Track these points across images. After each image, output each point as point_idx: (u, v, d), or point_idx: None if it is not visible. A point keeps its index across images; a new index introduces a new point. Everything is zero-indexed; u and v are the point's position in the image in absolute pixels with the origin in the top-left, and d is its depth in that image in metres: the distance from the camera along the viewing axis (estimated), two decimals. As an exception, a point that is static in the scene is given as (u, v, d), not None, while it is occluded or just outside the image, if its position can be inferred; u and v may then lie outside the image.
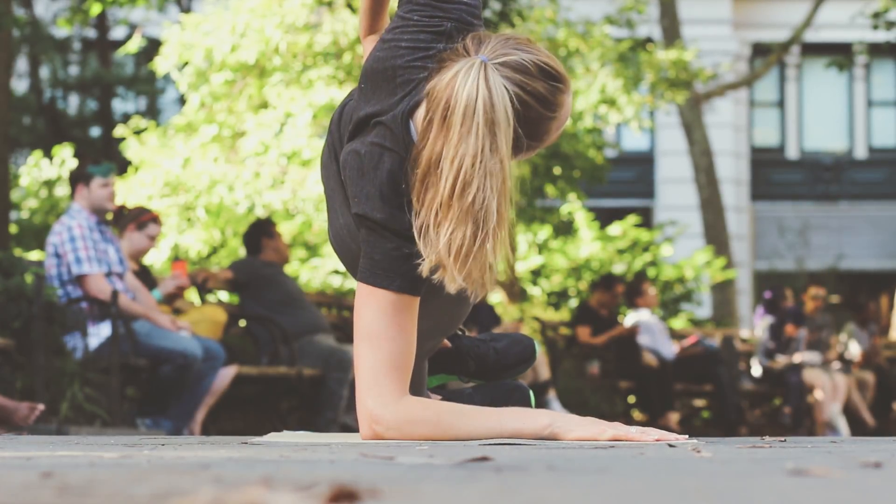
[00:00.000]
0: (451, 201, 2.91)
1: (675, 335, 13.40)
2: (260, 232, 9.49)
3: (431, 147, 2.95)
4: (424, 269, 2.96)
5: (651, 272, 15.90)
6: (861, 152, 24.73)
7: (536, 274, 16.00)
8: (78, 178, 7.81)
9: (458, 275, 2.92)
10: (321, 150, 3.43)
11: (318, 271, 12.74)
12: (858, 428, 12.84)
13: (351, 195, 3.10)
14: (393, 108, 3.09)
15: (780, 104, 25.01)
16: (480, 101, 2.93)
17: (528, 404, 3.57)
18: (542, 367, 10.73)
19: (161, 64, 11.86)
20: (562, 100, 3.08)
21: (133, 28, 18.42)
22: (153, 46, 15.05)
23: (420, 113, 3.05)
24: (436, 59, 3.08)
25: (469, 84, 2.94)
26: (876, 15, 13.63)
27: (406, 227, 3.00)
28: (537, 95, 3.02)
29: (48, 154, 15.05)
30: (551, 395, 10.59)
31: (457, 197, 2.91)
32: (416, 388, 3.34)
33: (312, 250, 13.46)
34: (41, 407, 6.19)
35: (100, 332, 7.54)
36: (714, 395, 12.71)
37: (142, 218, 8.21)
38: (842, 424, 12.60)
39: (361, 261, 3.09)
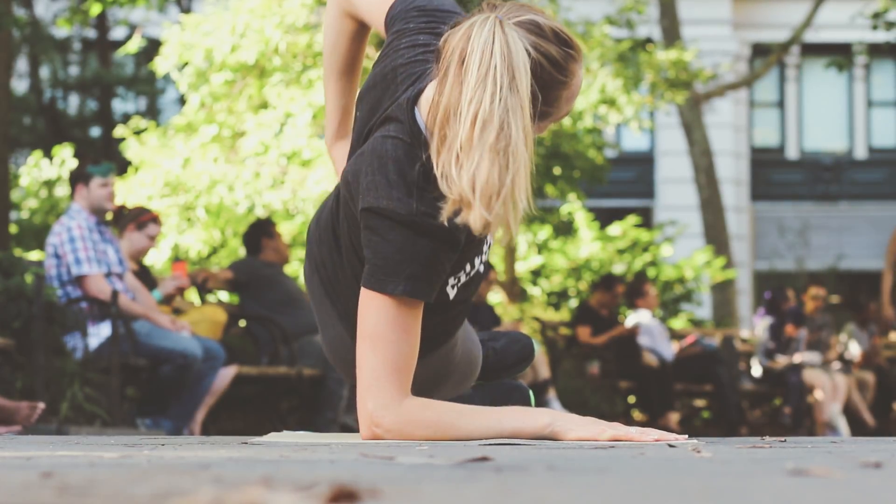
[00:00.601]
0: (473, 139, 2.81)
1: (675, 335, 13.40)
2: (260, 232, 9.49)
3: (448, 96, 2.87)
4: (447, 211, 2.83)
5: (651, 272, 15.90)
6: (861, 152, 24.73)
7: (536, 274, 16.00)
8: (77, 178, 7.81)
9: (485, 211, 2.79)
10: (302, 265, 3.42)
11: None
12: (858, 428, 12.84)
13: (362, 189, 3.00)
14: (397, 101, 3.07)
15: (780, 104, 25.01)
16: (497, 46, 2.86)
17: (528, 404, 3.57)
18: (542, 366, 10.73)
19: (161, 64, 11.86)
20: (574, 68, 3.03)
21: (133, 28, 18.42)
22: (153, 46, 15.05)
23: (425, 97, 3.00)
24: (434, 54, 3.05)
25: (486, 33, 2.87)
26: (876, 15, 13.63)
27: (414, 213, 2.94)
28: (550, 58, 2.98)
29: (48, 154, 15.06)
30: (551, 394, 10.59)
31: (478, 134, 2.80)
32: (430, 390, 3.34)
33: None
34: (42, 406, 6.19)
35: (100, 332, 7.54)
36: (714, 395, 12.70)
37: (142, 218, 8.21)
38: (842, 424, 12.59)
39: (365, 267, 3.05)
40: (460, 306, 3.27)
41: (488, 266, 11.26)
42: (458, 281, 3.18)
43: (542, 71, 2.97)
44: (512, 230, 2.84)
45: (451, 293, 3.18)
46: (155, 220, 8.28)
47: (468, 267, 3.18)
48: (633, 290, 12.71)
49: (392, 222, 2.96)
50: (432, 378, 3.30)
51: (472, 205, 2.80)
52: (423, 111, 3.01)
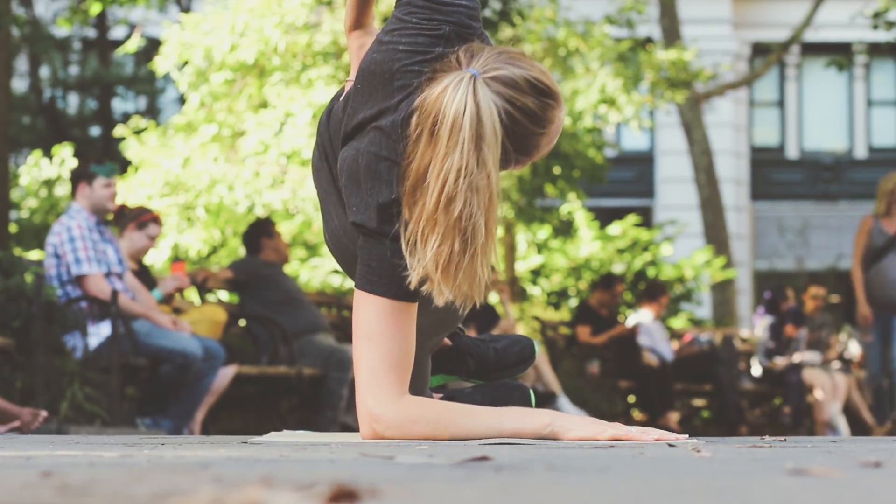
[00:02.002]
0: (437, 215, 2.91)
1: (675, 335, 13.41)
2: (259, 232, 9.49)
3: (419, 160, 2.96)
4: (413, 281, 2.96)
5: (651, 272, 15.90)
6: (861, 152, 24.73)
7: (536, 274, 16.01)
8: (80, 177, 7.81)
9: (445, 288, 2.93)
10: (312, 152, 3.43)
11: (318, 271, 12.75)
12: (858, 428, 12.84)
13: (347, 203, 3.10)
14: (391, 112, 3.08)
15: (780, 104, 25.01)
16: (468, 116, 2.92)
17: (529, 404, 3.57)
18: (550, 379, 10.71)
19: (161, 63, 11.86)
20: (552, 116, 3.07)
21: (133, 28, 18.42)
22: (153, 46, 15.05)
23: (413, 122, 3.05)
24: (432, 64, 3.07)
25: (458, 98, 2.94)
26: (876, 15, 13.63)
27: (393, 227, 3.02)
28: (526, 111, 3.02)
29: (48, 153, 15.06)
30: (563, 399, 10.57)
31: (442, 211, 2.91)
32: (419, 387, 3.34)
33: (312, 250, 13.46)
34: (44, 414, 6.19)
35: (99, 332, 7.54)
36: (714, 394, 12.70)
37: (142, 218, 8.21)
38: (842, 424, 12.60)
39: (358, 267, 3.10)
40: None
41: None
42: None
43: (516, 125, 3.02)
44: (475, 300, 2.98)
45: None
46: (155, 220, 8.28)
47: None
48: (649, 292, 12.71)
49: (385, 237, 3.03)
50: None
51: (434, 281, 2.94)
52: (411, 133, 3.05)
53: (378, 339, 3.06)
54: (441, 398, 3.51)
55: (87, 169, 7.80)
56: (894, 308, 10.27)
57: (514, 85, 3.01)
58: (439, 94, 2.96)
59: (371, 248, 3.06)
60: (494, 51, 3.05)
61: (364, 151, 3.08)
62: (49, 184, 14.86)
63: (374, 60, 3.15)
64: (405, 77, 3.09)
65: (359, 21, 3.47)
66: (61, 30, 20.31)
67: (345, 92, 3.28)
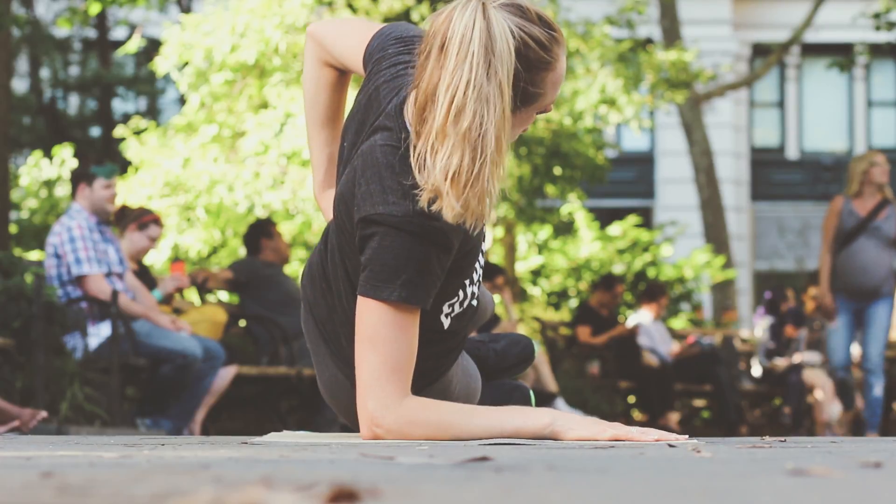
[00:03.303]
0: (447, 127, 2.86)
1: (675, 335, 13.41)
2: (259, 232, 9.50)
3: (428, 79, 2.92)
4: (422, 200, 2.90)
5: (651, 272, 15.90)
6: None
7: (536, 274, 16.01)
8: (80, 178, 7.82)
9: (455, 202, 2.86)
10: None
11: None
12: (858, 428, 12.83)
13: (362, 197, 3.02)
14: (385, 110, 3.09)
15: (780, 104, 25.03)
16: (478, 30, 2.89)
17: (529, 404, 3.57)
18: (549, 380, 10.72)
19: (161, 64, 11.87)
20: (558, 52, 3.04)
21: (133, 28, 18.44)
22: (153, 46, 15.06)
23: (411, 100, 3.02)
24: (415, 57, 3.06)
25: (467, 16, 2.91)
26: (877, 16, 13.63)
27: (410, 215, 2.95)
28: (535, 38, 2.99)
29: (48, 154, 15.06)
30: (559, 401, 10.58)
31: (451, 123, 2.86)
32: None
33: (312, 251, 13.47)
34: (44, 414, 6.19)
35: (100, 332, 7.54)
36: (714, 395, 12.71)
37: (144, 219, 8.21)
38: (841, 424, 12.60)
39: (362, 274, 3.06)
40: (456, 338, 3.28)
41: (499, 270, 11.27)
42: (452, 310, 3.20)
43: (527, 50, 2.98)
44: (484, 217, 2.91)
45: (445, 322, 3.19)
46: (156, 221, 8.28)
47: (461, 294, 3.19)
48: (648, 293, 12.71)
49: (388, 227, 2.98)
50: None
51: (443, 194, 2.87)
52: (409, 114, 3.03)
53: (380, 341, 3.04)
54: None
55: (88, 170, 7.80)
56: (866, 295, 9.62)
57: (522, 13, 2.98)
58: (447, 15, 2.93)
59: (374, 250, 3.00)
60: None
61: (368, 148, 3.06)
62: (49, 184, 14.86)
63: (357, 102, 3.16)
64: (390, 84, 3.09)
65: (328, 181, 3.43)
66: (61, 30, 20.32)
67: (322, 243, 3.28)
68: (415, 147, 2.92)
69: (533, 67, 3.01)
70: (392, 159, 3.00)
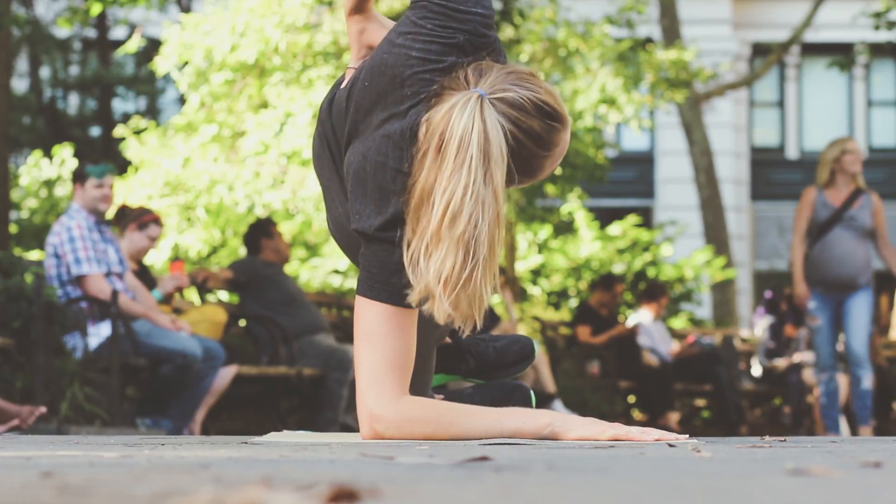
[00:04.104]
0: (442, 231, 2.90)
1: (675, 335, 13.41)
2: (259, 232, 9.50)
3: (425, 178, 2.95)
4: (413, 299, 2.95)
5: (651, 272, 15.90)
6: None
7: (536, 274, 16.01)
8: (76, 177, 7.84)
9: (446, 304, 2.90)
10: (312, 139, 3.41)
11: (318, 271, 12.75)
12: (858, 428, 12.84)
13: (351, 209, 3.09)
14: (399, 118, 3.07)
15: (780, 104, 25.04)
16: (475, 134, 2.92)
17: (529, 404, 3.57)
18: (548, 380, 10.71)
19: (161, 64, 11.87)
20: (557, 139, 3.07)
21: (133, 28, 18.45)
22: (153, 46, 15.06)
23: (419, 139, 3.04)
24: (443, 73, 3.06)
25: (465, 117, 2.93)
26: (877, 15, 13.63)
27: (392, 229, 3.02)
28: (532, 133, 3.01)
29: (48, 154, 15.07)
30: (557, 403, 10.58)
31: (447, 226, 2.89)
32: (423, 384, 3.34)
33: (312, 250, 13.46)
34: (42, 409, 6.19)
35: (100, 332, 7.55)
36: (714, 394, 12.71)
37: (144, 218, 8.21)
38: (841, 424, 12.60)
39: (360, 273, 3.10)
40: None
41: (499, 270, 11.26)
42: None
43: (521, 147, 3.02)
44: (475, 320, 2.94)
45: None
46: (156, 221, 8.28)
47: None
48: (648, 293, 12.70)
49: (388, 243, 3.03)
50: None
51: (435, 296, 2.91)
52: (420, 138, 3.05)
53: (379, 340, 3.06)
54: (442, 398, 3.52)
55: (82, 170, 7.81)
56: (843, 287, 9.35)
57: (520, 107, 3.00)
58: (446, 113, 2.96)
59: (373, 254, 3.06)
60: (503, 70, 3.04)
61: (371, 160, 3.07)
62: (49, 184, 14.87)
63: (384, 62, 3.12)
64: (416, 85, 3.07)
65: (359, 6, 3.43)
66: (61, 30, 20.32)
67: (345, 79, 3.25)
68: (409, 244, 2.96)
69: (528, 159, 3.05)
70: (387, 179, 3.03)
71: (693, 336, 13.17)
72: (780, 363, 12.95)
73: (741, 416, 12.68)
